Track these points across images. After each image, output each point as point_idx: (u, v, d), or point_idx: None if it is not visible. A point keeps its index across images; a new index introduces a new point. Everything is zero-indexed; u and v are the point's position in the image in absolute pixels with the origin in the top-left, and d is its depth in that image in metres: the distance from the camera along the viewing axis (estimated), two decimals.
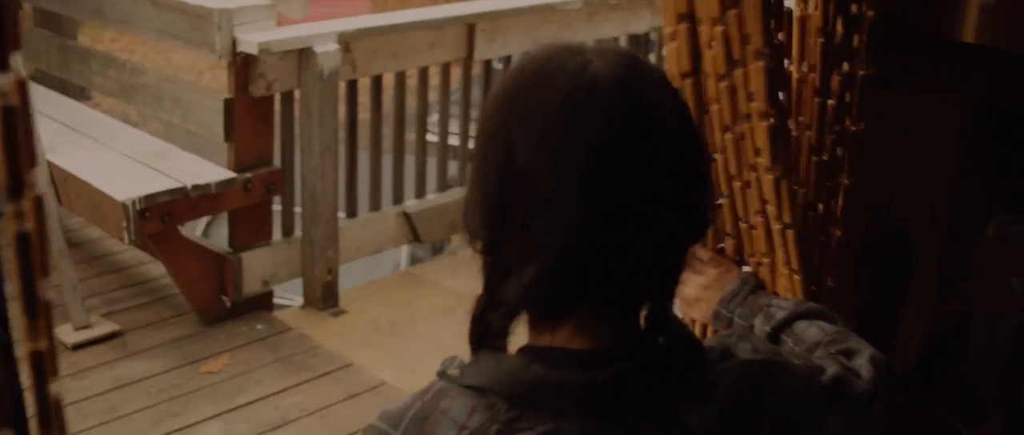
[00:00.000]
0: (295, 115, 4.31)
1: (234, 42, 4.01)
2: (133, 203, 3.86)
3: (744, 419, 1.03)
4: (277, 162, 4.31)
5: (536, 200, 0.94)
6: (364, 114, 4.62)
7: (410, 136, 4.86)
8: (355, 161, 4.57)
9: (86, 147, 4.39)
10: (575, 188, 0.93)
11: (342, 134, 4.44)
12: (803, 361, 1.15)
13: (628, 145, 0.94)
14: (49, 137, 4.43)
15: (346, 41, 4.27)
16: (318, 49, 4.12)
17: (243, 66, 4.05)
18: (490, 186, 0.98)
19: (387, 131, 4.67)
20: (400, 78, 4.67)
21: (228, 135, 4.14)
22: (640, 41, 5.65)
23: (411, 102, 4.76)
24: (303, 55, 4.13)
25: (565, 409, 0.96)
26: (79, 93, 5.18)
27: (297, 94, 4.25)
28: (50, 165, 4.22)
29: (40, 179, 2.59)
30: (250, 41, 3.98)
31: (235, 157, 4.17)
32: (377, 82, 4.57)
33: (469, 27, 4.71)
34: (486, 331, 1.01)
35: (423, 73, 4.72)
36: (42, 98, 5.01)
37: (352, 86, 4.46)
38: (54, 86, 5.19)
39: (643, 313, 1.03)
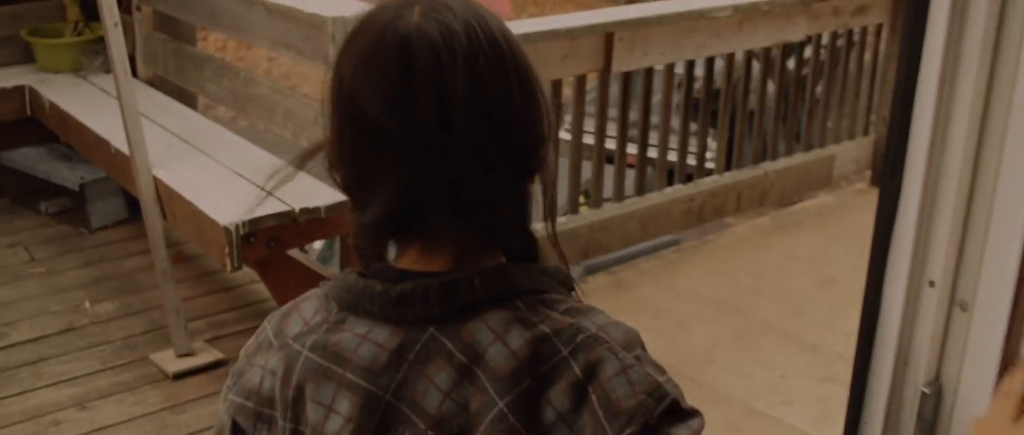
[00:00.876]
0: None
1: None
2: (237, 228, 3.54)
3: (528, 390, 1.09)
4: None
5: (365, 145, 1.10)
6: None
7: None
8: None
9: (194, 162, 4.11)
10: (386, 130, 1.07)
11: None
12: None
13: (423, 95, 1.06)
14: (159, 150, 4.17)
15: None
16: None
17: None
18: (331, 117, 1.13)
19: None
20: None
21: None
22: (794, 49, 5.14)
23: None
24: None
25: (376, 315, 1.13)
26: (193, 100, 4.90)
27: None
28: (156, 181, 3.95)
29: (146, 195, 3.02)
30: None
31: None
32: None
33: (607, 37, 4.29)
34: (361, 251, 1.17)
35: (556, 87, 4.31)
36: (157, 105, 4.76)
37: None
38: (172, 92, 4.94)
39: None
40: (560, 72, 4.25)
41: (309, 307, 1.20)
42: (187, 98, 4.95)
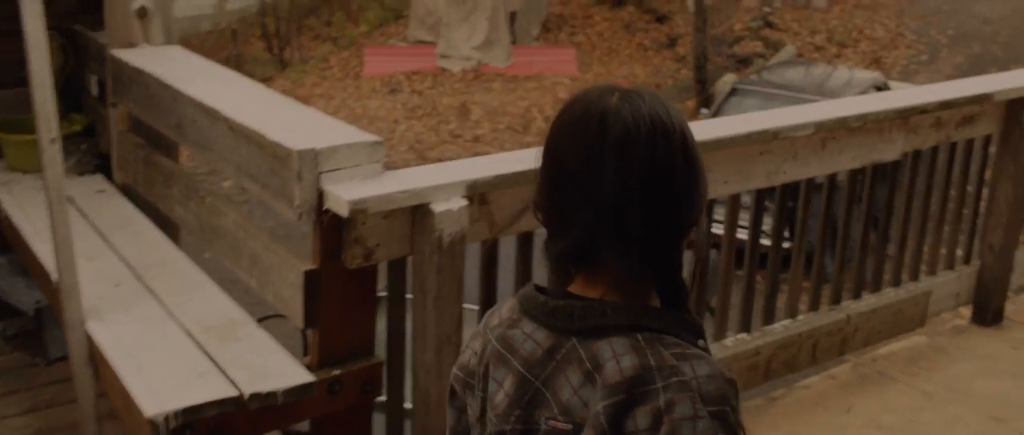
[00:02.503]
0: (407, 292, 3.10)
1: (320, 196, 2.83)
2: (166, 419, 2.71)
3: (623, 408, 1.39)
4: (381, 353, 3.10)
5: (560, 188, 1.47)
6: (507, 287, 3.36)
7: None
8: None
9: (141, 311, 3.30)
10: (577, 185, 1.44)
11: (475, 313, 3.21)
12: None
13: (608, 163, 1.41)
14: (105, 289, 3.39)
15: (479, 192, 3.03)
16: (437, 206, 2.89)
17: (332, 228, 2.86)
18: (540, 169, 1.51)
19: None
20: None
21: (311, 319, 2.95)
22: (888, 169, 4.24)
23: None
24: (416, 214, 2.92)
25: (539, 320, 1.50)
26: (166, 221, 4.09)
27: (410, 263, 3.04)
28: (88, 338, 3.15)
29: (76, 356, 2.13)
30: (340, 196, 2.79)
31: (320, 348, 2.98)
32: (526, 242, 3.31)
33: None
34: (555, 273, 1.53)
35: None
36: (123, 223, 3.97)
37: (491, 252, 3.22)
38: (148, 203, 4.14)
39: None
40: None
41: (507, 306, 1.59)
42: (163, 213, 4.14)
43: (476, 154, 15.91)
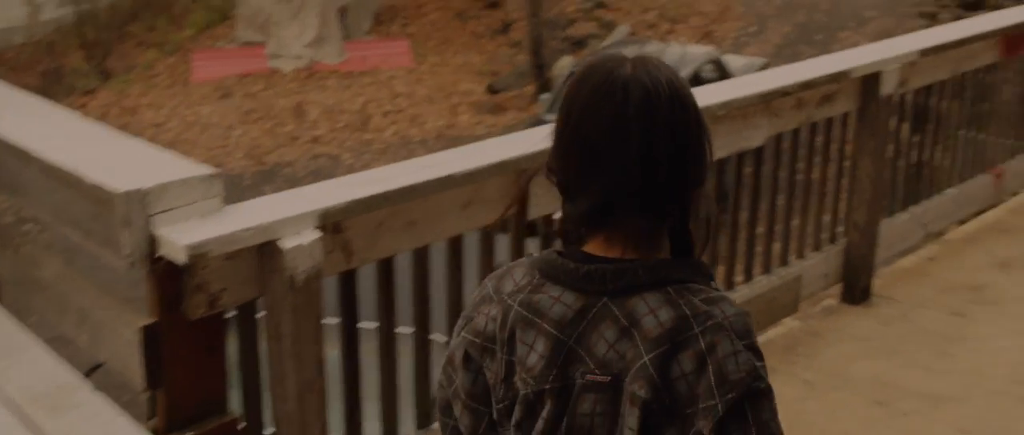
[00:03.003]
0: (260, 338, 2.77)
1: (152, 241, 2.49)
2: None
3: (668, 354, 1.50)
4: (236, 407, 2.78)
5: (582, 155, 1.52)
6: (369, 318, 3.07)
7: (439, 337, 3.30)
8: (358, 397, 3.02)
9: None
10: (599, 150, 1.50)
11: (337, 355, 2.90)
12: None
13: (632, 127, 1.49)
14: None
15: (334, 221, 2.73)
16: (286, 242, 2.58)
17: (169, 276, 2.52)
18: (557, 136, 1.56)
19: (407, 346, 3.13)
20: (420, 258, 3.12)
21: (153, 379, 2.60)
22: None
23: (440, 291, 3.20)
24: (264, 252, 2.60)
25: (567, 284, 1.55)
26: None
27: (260, 305, 2.72)
28: None
29: None
30: (175, 240, 2.45)
31: (166, 409, 2.64)
32: (387, 268, 3.02)
33: (520, 175, 3.17)
34: (565, 237, 1.60)
35: (454, 245, 3.17)
36: None
37: (347, 281, 2.92)
38: None
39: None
40: (461, 225, 3.12)
41: (519, 272, 1.62)
42: None
43: (316, 156, 15.52)
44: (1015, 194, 6.05)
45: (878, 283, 4.85)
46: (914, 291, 4.88)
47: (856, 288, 4.70)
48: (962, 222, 5.65)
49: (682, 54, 14.31)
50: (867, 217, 4.65)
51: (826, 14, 18.72)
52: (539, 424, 1.57)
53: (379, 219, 2.87)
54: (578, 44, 17.65)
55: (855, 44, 17.54)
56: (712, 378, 1.48)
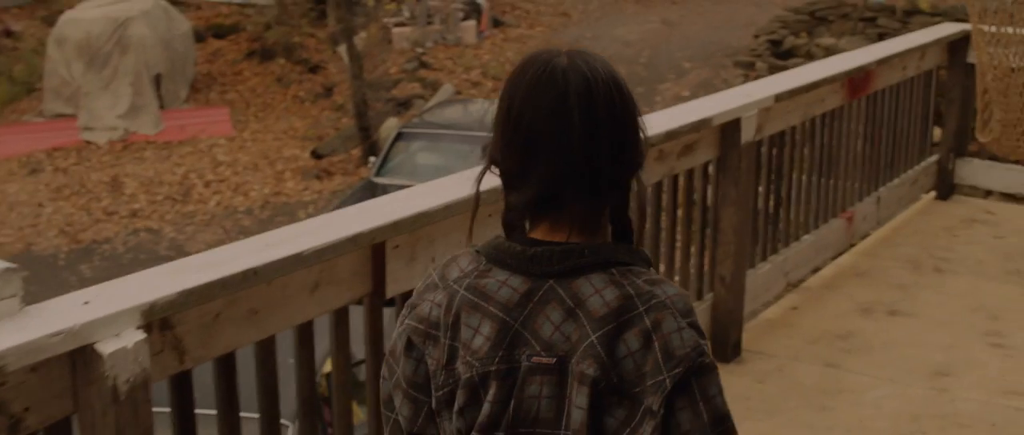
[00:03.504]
0: None
1: None
2: None
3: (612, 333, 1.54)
4: None
5: (525, 143, 1.57)
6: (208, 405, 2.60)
7: None
8: None
9: None
10: (542, 137, 1.55)
11: None
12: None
13: (573, 114, 1.54)
14: None
15: (160, 316, 2.28)
16: (105, 346, 2.13)
17: None
18: (499, 128, 1.61)
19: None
20: (265, 351, 2.68)
21: None
22: None
23: (292, 389, 2.76)
24: (78, 360, 2.14)
25: (513, 268, 1.59)
26: None
27: (75, 424, 2.25)
28: None
29: None
30: None
31: None
32: (227, 367, 2.57)
33: (375, 249, 2.77)
34: (507, 224, 1.64)
35: (304, 333, 2.74)
36: None
37: (181, 385, 2.46)
38: None
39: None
40: (311, 310, 2.70)
41: (465, 260, 1.65)
42: None
43: (136, 230, 14.70)
44: (864, 236, 5.95)
45: (747, 337, 4.61)
46: (784, 343, 4.66)
47: (727, 345, 4.45)
48: (817, 269, 5.50)
49: None
50: (734, 269, 4.41)
51: (645, 67, 18.91)
52: (485, 408, 1.57)
53: (215, 310, 2.43)
54: (403, 105, 17.30)
55: (676, 95, 17.75)
56: (659, 354, 1.52)
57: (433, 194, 2.96)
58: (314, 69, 19.40)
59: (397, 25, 19.99)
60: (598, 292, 1.54)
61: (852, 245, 5.80)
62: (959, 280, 5.40)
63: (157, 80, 18.41)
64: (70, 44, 18.12)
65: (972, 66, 6.43)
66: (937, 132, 6.79)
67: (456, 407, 1.59)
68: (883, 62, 5.47)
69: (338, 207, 12.80)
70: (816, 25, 17.44)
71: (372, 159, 13.80)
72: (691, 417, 1.52)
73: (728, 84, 16.72)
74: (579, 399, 1.52)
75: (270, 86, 19.90)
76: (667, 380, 1.50)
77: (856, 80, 5.29)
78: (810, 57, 15.73)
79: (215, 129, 18.04)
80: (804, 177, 5.18)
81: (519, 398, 1.56)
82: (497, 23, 21.17)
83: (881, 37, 16.88)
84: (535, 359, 1.55)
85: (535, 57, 1.59)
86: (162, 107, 18.43)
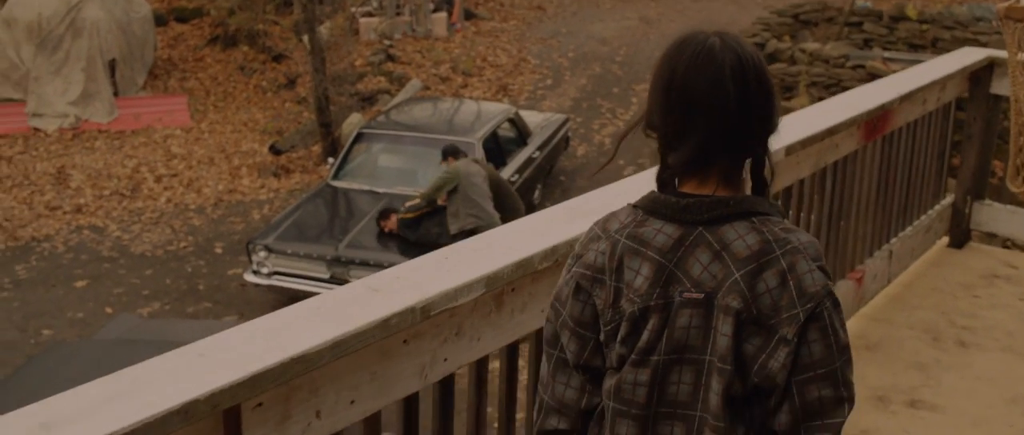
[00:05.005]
0: None
1: None
2: None
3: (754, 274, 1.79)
4: None
5: (686, 110, 1.82)
6: None
7: None
8: None
9: None
10: (702, 105, 1.81)
11: None
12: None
13: (728, 85, 1.80)
14: None
15: None
16: None
17: None
18: (659, 98, 1.87)
19: None
20: None
21: None
22: None
23: None
24: None
25: (667, 217, 1.85)
26: None
27: None
28: None
29: None
30: None
31: None
32: None
33: (228, 412, 1.84)
34: (660, 181, 1.90)
35: None
36: None
37: None
38: None
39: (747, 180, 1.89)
40: None
41: (623, 214, 1.92)
42: None
43: (79, 227, 13.64)
44: (874, 295, 5.05)
45: None
46: None
47: None
48: None
49: (478, 112, 13.17)
50: None
51: (621, 66, 17.98)
52: (644, 336, 1.83)
53: None
54: (367, 100, 16.29)
55: None
56: (793, 292, 1.78)
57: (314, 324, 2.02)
58: (278, 58, 18.38)
59: (365, 15, 18.98)
60: (741, 237, 1.79)
61: (859, 309, 4.90)
62: (989, 359, 4.50)
63: (112, 65, 17.34)
64: (20, 25, 17.00)
65: (996, 98, 5.55)
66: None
67: (619, 337, 1.85)
68: (906, 98, 4.56)
69: (294, 212, 11.89)
70: (800, 28, 16.57)
71: (331, 160, 12.79)
72: (821, 346, 1.78)
73: None
74: (725, 328, 1.78)
75: (232, 74, 18.87)
76: (800, 313, 1.77)
77: (871, 122, 4.38)
78: (794, 62, 14.86)
79: (171, 119, 17.00)
80: (814, 232, 4.26)
81: (672, 328, 1.81)
82: (469, 15, 20.20)
83: (867, 43, 16.03)
84: (686, 294, 1.80)
85: (691, 37, 1.85)
86: (117, 94, 17.38)
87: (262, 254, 10.77)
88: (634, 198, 1.91)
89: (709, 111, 1.79)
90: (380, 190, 11.61)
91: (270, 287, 10.87)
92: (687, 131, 1.81)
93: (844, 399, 1.80)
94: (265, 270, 10.82)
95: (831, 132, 3.92)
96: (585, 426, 1.95)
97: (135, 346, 7.46)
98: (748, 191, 1.88)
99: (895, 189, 4.97)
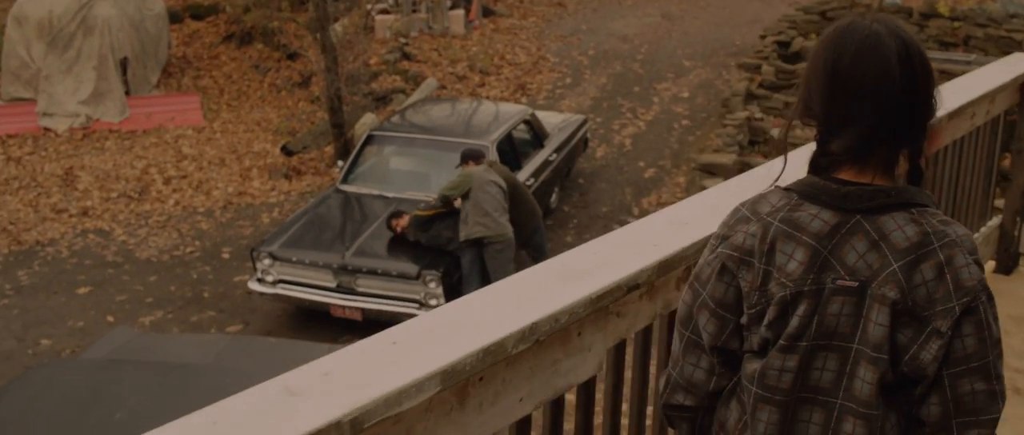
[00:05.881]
0: None
1: None
2: None
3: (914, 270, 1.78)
4: None
5: (852, 97, 1.81)
6: None
7: None
8: None
9: None
10: (869, 92, 1.80)
11: None
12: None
13: (895, 71, 1.79)
14: None
15: None
16: None
17: None
18: (822, 85, 1.84)
19: None
20: None
21: None
22: None
23: None
24: None
25: (824, 203, 1.82)
26: None
27: None
28: None
29: None
30: None
31: None
32: None
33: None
34: (817, 167, 1.87)
35: None
36: None
37: None
38: None
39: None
40: None
41: (775, 197, 1.88)
42: None
43: (84, 231, 13.18)
44: None
45: None
46: None
47: None
48: None
49: (492, 113, 12.63)
50: None
51: (643, 64, 17.40)
52: (793, 321, 1.80)
53: None
54: (381, 100, 15.78)
55: (675, 96, 16.24)
56: (950, 285, 1.76)
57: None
58: (293, 56, 17.87)
59: (380, 12, 18.47)
60: (900, 228, 1.78)
61: None
62: None
63: (123, 64, 16.89)
64: (31, 23, 16.58)
65: None
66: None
67: (765, 321, 1.83)
68: (954, 115, 4.01)
69: (300, 218, 11.37)
70: (827, 26, 15.97)
71: (340, 163, 12.28)
72: (975, 340, 1.77)
73: (731, 87, 15.25)
74: (880, 317, 1.77)
75: (246, 72, 18.42)
76: (956, 307, 1.75)
77: (932, 133, 3.83)
78: None
79: (184, 118, 16.55)
80: None
81: (822, 314, 1.80)
82: (487, 12, 19.66)
83: None
84: (839, 282, 1.79)
85: (855, 24, 1.83)
86: (129, 93, 16.94)
87: (266, 262, 10.28)
88: (630, 249, 1.94)
89: (876, 98, 1.78)
90: (391, 194, 11.10)
91: (275, 296, 10.39)
92: (852, 117, 1.80)
93: (997, 393, 1.80)
94: (270, 278, 10.33)
95: None
96: (711, 405, 1.97)
97: (121, 368, 7.00)
98: (904, 181, 1.87)
99: None
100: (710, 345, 1.91)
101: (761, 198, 1.90)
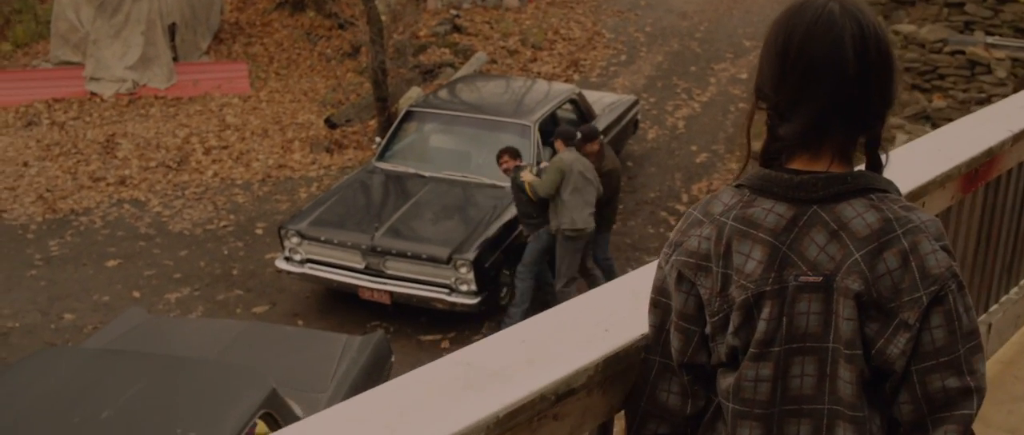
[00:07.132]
0: None
1: None
2: None
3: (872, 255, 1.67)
4: None
5: (801, 78, 1.69)
6: None
7: None
8: None
9: None
10: (819, 73, 1.67)
11: None
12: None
13: (848, 52, 1.66)
14: None
15: None
16: None
17: None
18: (772, 66, 1.72)
19: None
20: None
21: None
22: None
23: None
24: None
25: (778, 196, 1.69)
26: None
27: None
28: None
29: None
30: None
31: None
32: None
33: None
34: (768, 157, 1.73)
35: None
36: None
37: None
38: None
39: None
40: None
41: (726, 195, 1.76)
42: None
43: (120, 201, 12.82)
44: None
45: None
46: None
47: None
48: None
49: (537, 91, 12.04)
50: None
51: (701, 43, 16.66)
52: (760, 326, 1.67)
53: None
54: (429, 74, 15.24)
55: (733, 77, 15.51)
56: (916, 273, 1.64)
57: None
58: (343, 25, 17.37)
59: None
60: (860, 215, 1.67)
61: None
62: None
63: (172, 29, 16.52)
64: None
65: None
66: None
67: (731, 329, 1.70)
68: (1020, 136, 3.37)
69: (332, 195, 10.89)
70: (895, 8, 15.05)
71: (378, 140, 11.77)
72: (945, 333, 1.65)
73: None
74: (847, 312, 1.65)
75: (297, 41, 17.96)
76: (924, 297, 1.64)
77: (970, 174, 3.21)
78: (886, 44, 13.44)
79: (231, 86, 16.16)
80: None
81: (790, 315, 1.66)
82: None
83: (968, 26, 14.50)
84: (802, 278, 1.67)
85: (807, 4, 1.71)
86: (176, 59, 16.57)
87: (294, 240, 9.83)
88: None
89: (826, 79, 1.68)
90: (428, 174, 10.57)
91: (303, 276, 9.93)
92: (802, 101, 1.70)
93: (971, 389, 1.68)
94: (297, 257, 9.87)
95: (915, 195, 2.77)
96: (692, 432, 1.83)
97: (120, 359, 6.60)
98: (862, 167, 1.78)
99: (997, 245, 3.79)
100: (678, 362, 1.79)
101: (713, 198, 1.80)
